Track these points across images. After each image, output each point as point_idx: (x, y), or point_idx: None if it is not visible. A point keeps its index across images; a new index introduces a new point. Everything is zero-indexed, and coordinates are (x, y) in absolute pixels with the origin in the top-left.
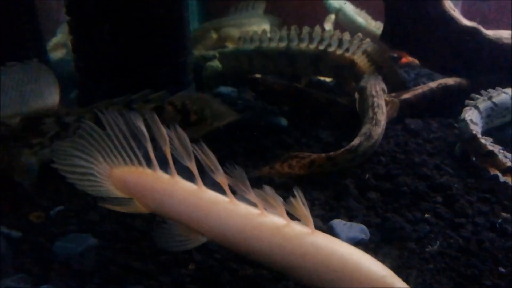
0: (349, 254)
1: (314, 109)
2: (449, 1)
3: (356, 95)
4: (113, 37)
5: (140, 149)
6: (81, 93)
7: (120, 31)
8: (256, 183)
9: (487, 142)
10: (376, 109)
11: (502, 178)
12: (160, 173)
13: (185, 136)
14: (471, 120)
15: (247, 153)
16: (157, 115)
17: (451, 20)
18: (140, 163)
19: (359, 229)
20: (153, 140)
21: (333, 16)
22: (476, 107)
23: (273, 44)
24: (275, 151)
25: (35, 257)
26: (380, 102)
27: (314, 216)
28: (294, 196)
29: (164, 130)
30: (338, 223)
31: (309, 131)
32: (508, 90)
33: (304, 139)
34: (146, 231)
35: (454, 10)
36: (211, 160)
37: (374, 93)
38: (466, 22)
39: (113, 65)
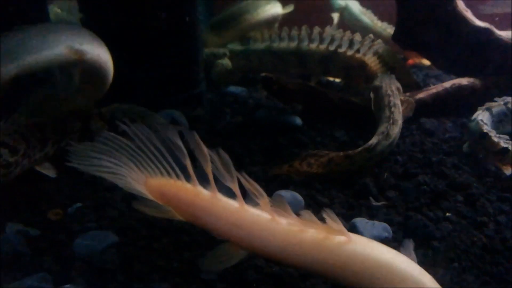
0: (390, 259)
1: (328, 108)
2: (461, 2)
3: (371, 95)
4: (124, 32)
5: (177, 164)
6: None
7: (131, 27)
8: (275, 181)
9: (500, 139)
10: (393, 108)
11: None
12: (200, 189)
13: (227, 158)
14: (482, 121)
15: (263, 151)
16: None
17: (464, 20)
18: (178, 176)
19: (382, 228)
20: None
21: (337, 15)
22: (489, 110)
23: (283, 44)
24: (291, 149)
25: (55, 255)
26: (397, 101)
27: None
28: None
29: (205, 150)
30: (361, 222)
31: (323, 130)
32: None
33: (319, 138)
34: (166, 227)
35: (466, 11)
36: (254, 185)
37: (390, 92)
38: (478, 22)
39: (125, 62)
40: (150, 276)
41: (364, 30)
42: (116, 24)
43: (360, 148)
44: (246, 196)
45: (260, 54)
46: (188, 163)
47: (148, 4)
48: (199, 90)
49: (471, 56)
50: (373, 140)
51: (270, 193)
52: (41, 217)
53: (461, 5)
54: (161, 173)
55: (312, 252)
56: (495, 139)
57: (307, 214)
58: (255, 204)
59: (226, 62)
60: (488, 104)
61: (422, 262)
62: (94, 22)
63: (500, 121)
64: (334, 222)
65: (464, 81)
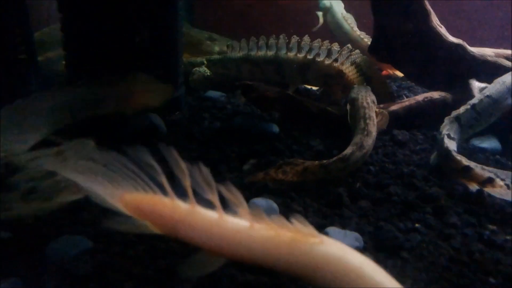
0: (360, 264)
1: (305, 117)
2: (436, 18)
3: (348, 106)
4: (105, 35)
5: (152, 180)
6: None
7: (112, 29)
8: (250, 189)
9: (462, 158)
10: (368, 120)
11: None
12: (178, 202)
13: (206, 171)
14: (449, 135)
15: (240, 158)
16: None
17: (438, 36)
18: (154, 191)
19: (353, 237)
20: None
21: (321, 14)
22: (457, 119)
23: (261, 52)
24: (268, 157)
25: (27, 259)
26: (371, 113)
27: (309, 223)
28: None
29: (183, 164)
30: (333, 231)
31: (300, 138)
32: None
33: (295, 146)
34: (141, 234)
35: (441, 27)
36: (235, 194)
37: (365, 104)
38: (452, 38)
39: (105, 64)
40: (124, 284)
41: (344, 35)
42: (96, 26)
43: (335, 158)
44: (227, 206)
45: (238, 62)
46: (163, 179)
47: (128, 7)
48: (178, 94)
49: (443, 70)
50: (348, 151)
51: (245, 200)
52: (13, 220)
53: (435, 21)
54: (137, 190)
55: (288, 254)
56: (458, 158)
57: (279, 219)
58: (234, 213)
59: (204, 69)
60: (455, 112)
61: (392, 272)
62: (73, 22)
63: (470, 126)
64: (305, 226)
65: (436, 94)
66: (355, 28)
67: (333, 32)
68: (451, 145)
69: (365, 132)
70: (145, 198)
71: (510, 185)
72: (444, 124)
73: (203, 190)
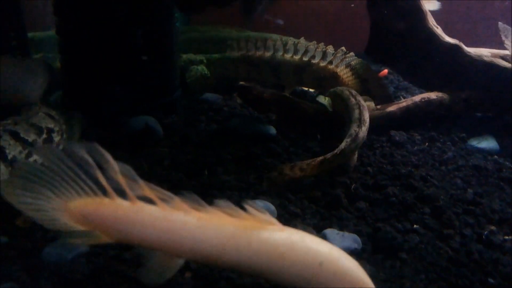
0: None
1: (302, 119)
2: (432, 18)
3: (326, 100)
4: (100, 38)
5: (90, 179)
6: (66, 94)
7: (107, 32)
8: (248, 190)
9: None
10: (358, 97)
11: None
12: (119, 201)
13: (128, 168)
14: None
15: (236, 161)
16: None
17: (434, 36)
18: (95, 193)
19: (351, 239)
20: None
21: None
22: None
23: (259, 53)
24: (264, 159)
25: (23, 264)
26: (362, 101)
27: (306, 225)
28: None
29: (112, 159)
30: (331, 232)
31: (297, 140)
32: None
33: (292, 148)
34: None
35: (437, 27)
36: (160, 190)
37: (354, 93)
38: (448, 39)
39: (100, 67)
40: (120, 287)
41: None
42: (92, 28)
43: (346, 140)
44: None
45: (236, 63)
46: (99, 175)
47: (124, 9)
48: (174, 96)
49: (440, 71)
50: (353, 129)
51: (243, 202)
52: (9, 224)
53: (432, 22)
54: (78, 194)
55: (247, 244)
56: None
57: (225, 203)
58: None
59: (202, 68)
60: None
61: (390, 273)
62: (69, 25)
63: None
64: (261, 213)
65: (433, 95)
66: None
67: None
68: None
69: (360, 108)
70: (87, 203)
71: None
72: None
73: (132, 188)
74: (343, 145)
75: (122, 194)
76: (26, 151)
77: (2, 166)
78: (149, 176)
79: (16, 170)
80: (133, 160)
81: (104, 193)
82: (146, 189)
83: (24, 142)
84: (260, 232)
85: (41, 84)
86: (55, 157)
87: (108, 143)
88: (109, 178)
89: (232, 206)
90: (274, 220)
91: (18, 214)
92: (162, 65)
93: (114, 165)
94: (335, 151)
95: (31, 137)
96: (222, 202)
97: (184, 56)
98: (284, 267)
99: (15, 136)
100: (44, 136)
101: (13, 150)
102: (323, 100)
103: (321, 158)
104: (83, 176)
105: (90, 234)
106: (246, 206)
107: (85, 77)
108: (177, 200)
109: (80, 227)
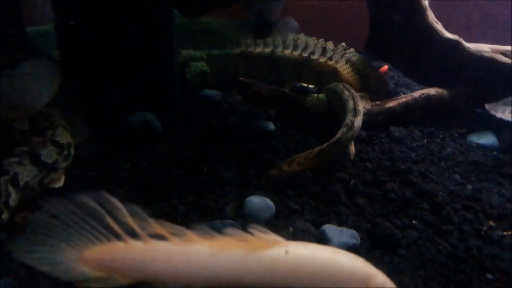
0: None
1: (301, 115)
2: (432, 13)
3: (319, 96)
4: (99, 34)
5: (102, 226)
6: (63, 91)
7: (106, 29)
8: (247, 187)
9: None
10: (352, 90)
11: None
12: (133, 243)
13: (138, 209)
14: None
15: (236, 157)
16: None
17: (434, 32)
18: (107, 238)
19: (350, 235)
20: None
21: None
22: None
23: (258, 49)
24: (264, 155)
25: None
26: (356, 93)
27: (305, 221)
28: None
29: (119, 204)
30: (330, 228)
31: (296, 136)
32: None
33: (292, 144)
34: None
35: (437, 23)
36: (170, 225)
37: (347, 87)
38: (448, 34)
39: (99, 64)
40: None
41: None
42: (91, 24)
43: (342, 129)
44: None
45: (235, 59)
46: (109, 220)
47: (123, 5)
48: (174, 93)
49: (439, 67)
50: (348, 118)
51: (242, 198)
52: (7, 221)
53: (431, 17)
54: (92, 242)
55: (259, 265)
56: None
57: (235, 231)
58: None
59: (202, 64)
60: None
61: (389, 269)
62: (67, 21)
63: None
64: (266, 234)
65: (432, 91)
66: None
67: None
68: None
69: (354, 99)
70: (103, 249)
71: None
72: None
73: (144, 228)
74: (339, 134)
75: (134, 235)
76: (43, 173)
77: (13, 193)
78: (149, 173)
79: (28, 226)
80: (132, 157)
81: (117, 237)
82: (157, 227)
83: (42, 166)
84: (268, 251)
85: (53, 89)
86: (65, 209)
87: (108, 140)
88: (119, 222)
89: (240, 232)
90: (280, 238)
91: (16, 211)
92: (161, 61)
93: (123, 209)
94: (331, 140)
95: (52, 158)
96: (230, 230)
97: (184, 52)
98: (298, 282)
99: (35, 158)
100: (65, 153)
101: (27, 175)
102: (315, 100)
103: (317, 148)
104: (94, 224)
105: (107, 278)
106: (252, 230)
107: (83, 74)
108: (188, 232)
109: (97, 274)
